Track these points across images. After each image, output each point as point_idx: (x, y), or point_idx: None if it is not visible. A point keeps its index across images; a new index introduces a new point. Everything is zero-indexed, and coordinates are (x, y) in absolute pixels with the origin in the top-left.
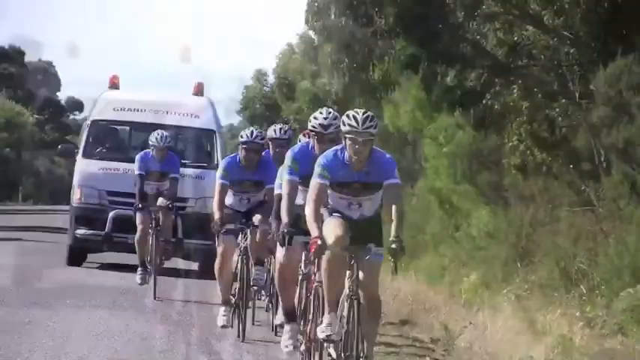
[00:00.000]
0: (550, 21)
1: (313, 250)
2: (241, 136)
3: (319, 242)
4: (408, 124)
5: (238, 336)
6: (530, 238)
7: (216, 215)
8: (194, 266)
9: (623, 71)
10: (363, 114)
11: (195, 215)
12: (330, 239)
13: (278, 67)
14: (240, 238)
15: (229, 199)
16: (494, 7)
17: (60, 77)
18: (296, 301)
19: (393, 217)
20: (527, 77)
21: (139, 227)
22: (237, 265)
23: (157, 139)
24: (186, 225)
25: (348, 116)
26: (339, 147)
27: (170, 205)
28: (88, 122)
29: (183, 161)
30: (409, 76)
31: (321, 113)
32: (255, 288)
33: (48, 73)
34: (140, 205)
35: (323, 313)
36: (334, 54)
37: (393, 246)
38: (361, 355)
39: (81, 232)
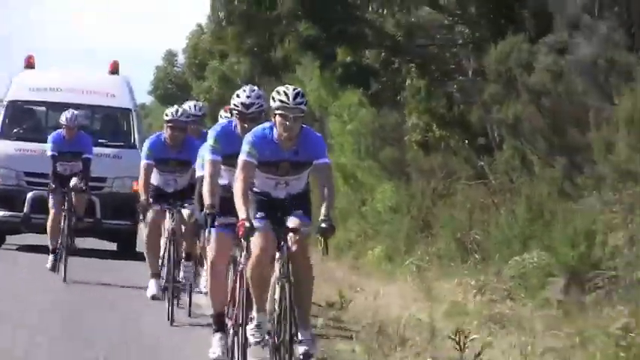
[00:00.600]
0: (445, 1)
1: (241, 232)
2: (166, 115)
3: (247, 224)
4: (313, 102)
5: (168, 318)
6: (430, 211)
7: (142, 196)
8: (113, 247)
9: (512, 49)
10: (294, 90)
11: (113, 195)
12: (255, 251)
13: (188, 47)
14: (167, 218)
15: (155, 180)
16: None
17: None
18: (226, 308)
19: (324, 197)
20: (425, 56)
21: (51, 211)
22: (165, 247)
23: (67, 118)
24: (104, 205)
25: (278, 92)
26: (267, 125)
27: (83, 187)
28: (4, 103)
29: (100, 141)
30: (312, 56)
31: (244, 91)
32: (184, 282)
33: None
34: (53, 186)
35: (251, 307)
36: (238, 37)
37: (323, 225)
38: (295, 338)
39: None
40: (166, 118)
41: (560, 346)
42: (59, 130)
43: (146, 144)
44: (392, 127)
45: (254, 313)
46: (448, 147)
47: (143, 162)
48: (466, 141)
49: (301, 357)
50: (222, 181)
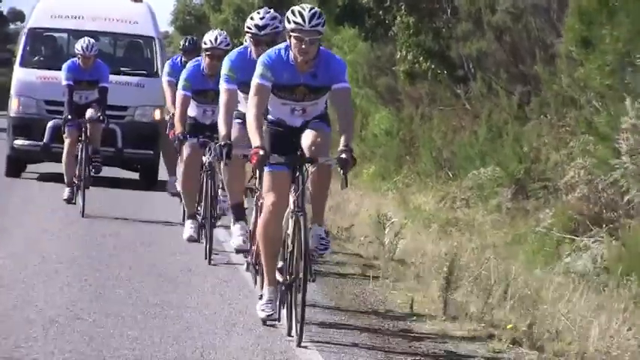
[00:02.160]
0: None
1: (255, 161)
2: (204, 42)
3: (261, 152)
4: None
5: (205, 257)
6: (415, 134)
7: (178, 129)
8: (135, 176)
9: None
10: (310, 10)
11: (134, 124)
12: (266, 204)
13: None
14: (206, 152)
15: (192, 111)
16: None
17: None
18: (244, 198)
19: (341, 123)
20: None
21: (66, 142)
22: (202, 182)
23: (82, 47)
24: (126, 134)
25: (293, 12)
26: (282, 45)
27: (100, 117)
28: (25, 30)
29: (122, 69)
30: None
31: (257, 13)
32: (220, 213)
33: None
34: (69, 117)
35: (263, 280)
36: None
37: (343, 156)
38: (309, 277)
39: (19, 142)
40: (205, 46)
41: (499, 242)
42: (74, 59)
43: (183, 74)
44: (386, 58)
45: (264, 288)
46: (432, 77)
47: (180, 93)
48: (445, 72)
49: (319, 248)
50: (242, 109)
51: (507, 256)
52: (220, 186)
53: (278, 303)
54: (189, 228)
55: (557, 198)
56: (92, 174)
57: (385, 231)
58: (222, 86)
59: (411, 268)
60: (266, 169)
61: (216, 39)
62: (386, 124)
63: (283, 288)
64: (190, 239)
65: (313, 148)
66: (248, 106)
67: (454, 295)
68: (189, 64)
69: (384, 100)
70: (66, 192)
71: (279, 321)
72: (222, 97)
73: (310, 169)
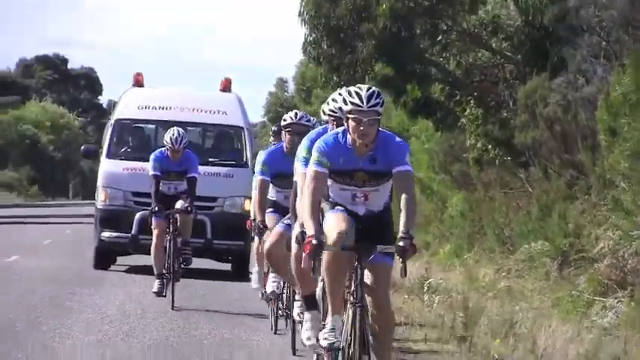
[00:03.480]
0: (497, 46)
1: (307, 250)
2: (284, 119)
3: (314, 242)
4: (397, 125)
5: (292, 349)
6: (483, 215)
7: (258, 217)
8: (226, 267)
9: (537, 87)
10: (368, 90)
11: (224, 215)
12: (331, 235)
13: (297, 75)
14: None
15: (273, 194)
16: (452, 37)
17: (101, 82)
18: (318, 290)
19: (403, 209)
20: (480, 90)
21: (154, 233)
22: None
23: (171, 139)
24: (215, 225)
25: (349, 93)
26: (339, 130)
27: (189, 208)
28: (112, 122)
29: (211, 159)
30: (387, 92)
31: (340, 95)
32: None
33: (90, 78)
34: (156, 208)
35: (326, 315)
36: (326, 75)
37: (401, 244)
38: None
39: (106, 234)
40: (284, 122)
41: (542, 305)
42: (162, 149)
43: (260, 158)
44: (459, 146)
45: (327, 317)
46: (499, 163)
47: (257, 178)
48: (509, 158)
49: None
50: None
51: (545, 314)
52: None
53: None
54: (272, 283)
55: (592, 266)
56: (182, 266)
57: (424, 291)
58: (300, 169)
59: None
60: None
61: (296, 114)
62: (460, 207)
63: None
64: (272, 296)
65: (376, 282)
66: (303, 193)
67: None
68: (269, 148)
69: (459, 184)
70: (156, 284)
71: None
72: (300, 181)
73: (367, 268)
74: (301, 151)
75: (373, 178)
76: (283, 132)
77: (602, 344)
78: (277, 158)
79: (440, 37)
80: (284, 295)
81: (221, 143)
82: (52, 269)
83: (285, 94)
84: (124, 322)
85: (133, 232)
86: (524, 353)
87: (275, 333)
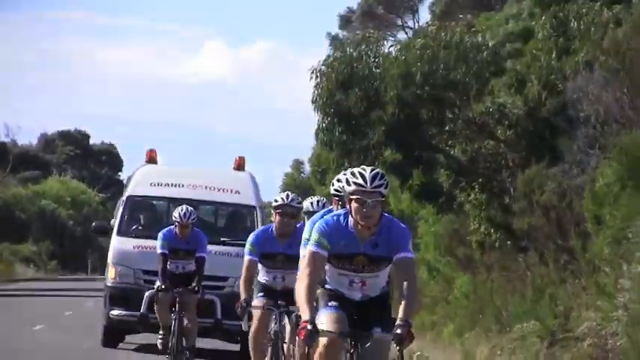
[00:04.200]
0: (502, 133)
1: (303, 336)
2: (275, 200)
3: (309, 327)
4: (406, 207)
5: None
6: (483, 297)
7: (243, 295)
8: (235, 348)
9: (535, 175)
10: (372, 170)
11: (235, 295)
12: (322, 336)
13: (312, 157)
14: (272, 320)
15: (263, 275)
16: (458, 124)
17: (122, 157)
18: None
19: (404, 296)
20: (484, 176)
21: (158, 311)
22: (268, 354)
23: (180, 214)
24: (226, 305)
25: (353, 174)
26: (341, 212)
27: (195, 287)
28: (124, 199)
29: (222, 239)
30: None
31: (344, 174)
32: None
33: (111, 154)
34: (162, 287)
35: None
36: (338, 159)
37: (399, 331)
38: None
39: (115, 312)
40: (275, 204)
41: None
42: (171, 227)
43: (250, 238)
44: (464, 230)
45: None
46: (500, 247)
47: (245, 258)
48: (509, 242)
49: None
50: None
51: None
52: None
53: None
54: None
55: (576, 345)
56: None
57: None
58: (304, 253)
59: None
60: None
61: (287, 196)
62: (464, 289)
63: None
64: None
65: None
66: (299, 275)
67: None
68: (260, 229)
69: (463, 266)
70: (160, 340)
71: None
72: (308, 265)
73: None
74: (305, 233)
75: (373, 263)
76: (273, 213)
77: None
78: (265, 239)
79: (447, 126)
80: None
81: (233, 222)
82: (66, 343)
83: (302, 175)
84: None
85: (142, 310)
86: None
87: None
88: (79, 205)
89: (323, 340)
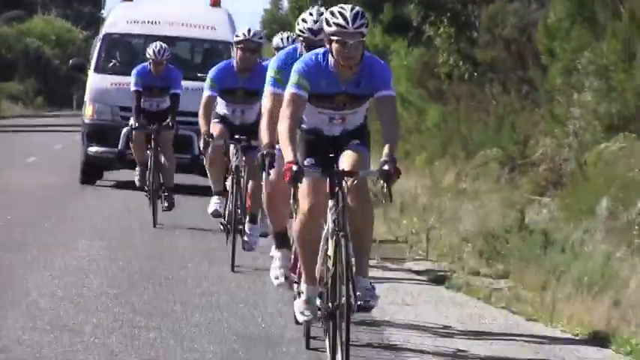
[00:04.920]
0: None
1: (288, 177)
2: (237, 35)
3: (294, 167)
4: (380, 42)
5: (231, 266)
6: (452, 126)
7: (203, 128)
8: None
9: (498, 10)
10: (352, 9)
11: None
12: (303, 204)
13: None
14: (231, 154)
15: (222, 108)
16: None
17: None
18: (289, 226)
19: (386, 133)
20: (452, 10)
21: (132, 147)
22: (228, 187)
23: (154, 51)
24: None
25: (332, 13)
26: (320, 50)
27: (170, 124)
28: (101, 36)
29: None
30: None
31: (310, 15)
32: (248, 247)
33: None
34: (136, 124)
35: (300, 276)
36: None
37: (386, 167)
38: (353, 302)
39: (93, 149)
40: (237, 39)
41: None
42: (145, 64)
43: (210, 73)
44: (434, 62)
45: (302, 286)
46: (468, 78)
47: (205, 94)
48: (476, 74)
49: (367, 301)
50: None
51: (488, 212)
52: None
53: (318, 304)
54: (213, 203)
55: (533, 169)
56: (164, 210)
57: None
58: (267, 90)
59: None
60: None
61: (249, 31)
62: (435, 119)
63: (325, 315)
64: (215, 214)
65: (354, 164)
66: (280, 116)
67: None
68: (220, 64)
69: (434, 98)
70: (136, 176)
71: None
72: (267, 102)
73: (349, 183)
74: (269, 71)
75: (354, 101)
76: (235, 48)
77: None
78: (226, 74)
79: None
80: (226, 212)
81: (210, 58)
82: (48, 180)
83: (280, 11)
84: (104, 237)
85: (119, 147)
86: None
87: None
88: (63, 43)
89: (308, 184)
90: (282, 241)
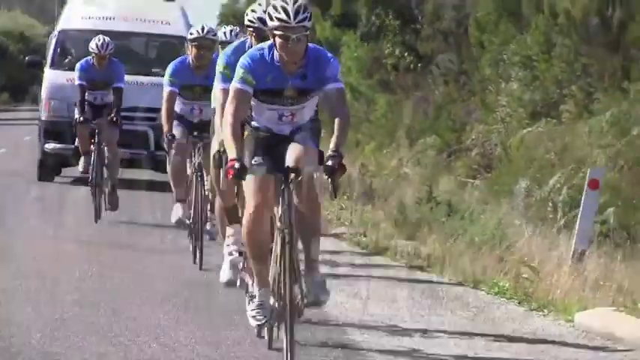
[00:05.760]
0: None
1: (230, 174)
2: (191, 33)
3: (236, 165)
4: (330, 34)
5: (195, 262)
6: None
7: (165, 127)
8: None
9: (437, 4)
10: (294, 3)
11: None
12: (249, 202)
13: None
14: (193, 152)
15: (179, 108)
16: None
17: None
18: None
19: (335, 128)
20: (398, 5)
21: (78, 139)
22: (191, 184)
23: (97, 45)
24: (158, 137)
25: (274, 7)
26: (265, 45)
27: (115, 119)
28: (56, 32)
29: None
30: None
31: (259, 5)
32: (210, 238)
33: None
34: (81, 119)
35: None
36: None
37: (330, 162)
38: (298, 299)
39: (50, 146)
40: (191, 36)
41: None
42: (88, 58)
43: (168, 69)
44: (382, 54)
45: (255, 290)
46: (412, 69)
47: (166, 90)
48: (420, 65)
49: (320, 297)
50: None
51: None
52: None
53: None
54: (177, 212)
55: (467, 154)
56: (107, 209)
57: None
58: (219, 86)
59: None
60: (248, 176)
61: (203, 29)
62: (383, 109)
63: (276, 311)
64: (178, 222)
65: (299, 159)
66: (225, 112)
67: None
68: (176, 60)
69: (382, 88)
70: (81, 162)
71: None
72: (220, 98)
73: (293, 179)
74: (218, 67)
75: (302, 95)
76: (190, 45)
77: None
78: (183, 70)
79: None
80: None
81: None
82: (16, 169)
83: (237, 4)
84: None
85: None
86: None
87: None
88: (27, 39)
89: (254, 182)
90: (233, 216)
